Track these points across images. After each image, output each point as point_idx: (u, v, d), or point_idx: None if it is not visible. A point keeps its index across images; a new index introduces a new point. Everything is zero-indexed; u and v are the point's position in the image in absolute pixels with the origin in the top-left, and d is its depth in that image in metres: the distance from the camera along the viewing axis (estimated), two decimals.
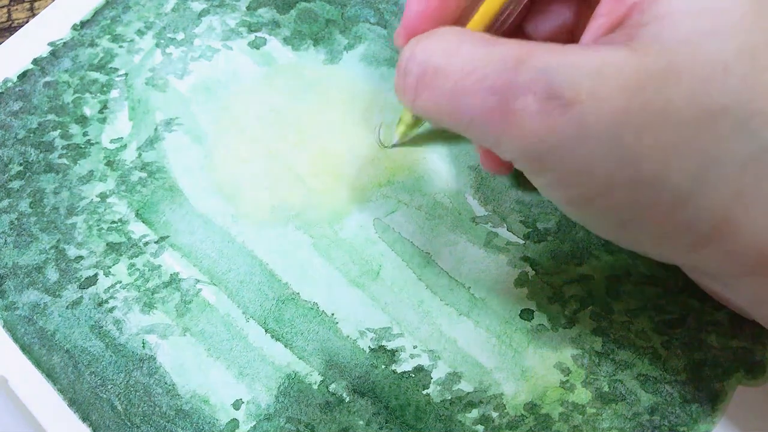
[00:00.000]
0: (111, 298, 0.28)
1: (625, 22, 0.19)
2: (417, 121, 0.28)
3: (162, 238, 0.29)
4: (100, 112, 0.32)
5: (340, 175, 0.30)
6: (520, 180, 0.29)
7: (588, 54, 0.18)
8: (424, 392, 0.26)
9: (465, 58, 0.19)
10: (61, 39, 0.33)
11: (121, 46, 0.33)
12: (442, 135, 0.30)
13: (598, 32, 0.20)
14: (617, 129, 0.17)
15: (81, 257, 0.29)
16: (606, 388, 0.25)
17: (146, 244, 0.29)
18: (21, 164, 0.31)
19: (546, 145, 0.18)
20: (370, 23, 0.33)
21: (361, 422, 0.25)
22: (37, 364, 0.27)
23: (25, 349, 0.27)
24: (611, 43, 0.18)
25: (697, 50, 0.17)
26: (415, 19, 0.23)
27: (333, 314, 0.27)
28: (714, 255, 0.20)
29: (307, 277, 0.28)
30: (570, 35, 0.25)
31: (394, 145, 0.30)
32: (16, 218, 0.29)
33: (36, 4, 0.36)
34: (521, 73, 0.18)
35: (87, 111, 0.32)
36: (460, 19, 0.23)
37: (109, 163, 0.31)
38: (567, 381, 0.26)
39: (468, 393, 0.26)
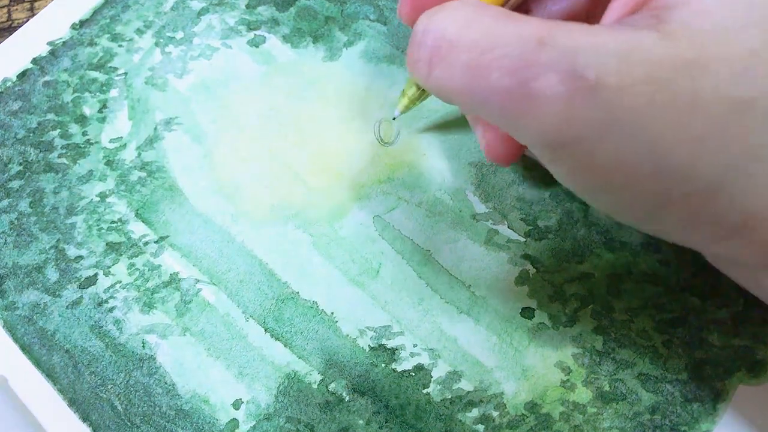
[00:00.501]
0: (111, 298, 0.28)
1: (650, 3, 0.18)
2: (420, 94, 0.27)
3: (162, 238, 0.29)
4: (100, 111, 0.32)
5: (340, 172, 0.30)
6: (521, 177, 0.29)
7: (614, 35, 0.17)
8: (424, 391, 0.26)
9: (483, 34, 0.18)
10: (61, 38, 0.33)
11: (120, 45, 0.33)
12: (442, 131, 0.30)
13: (620, 12, 0.19)
14: (644, 118, 0.17)
15: (81, 257, 0.29)
16: (607, 388, 0.25)
17: (146, 243, 0.29)
18: (21, 164, 0.31)
19: (568, 130, 0.18)
20: (370, 20, 0.33)
21: (360, 421, 0.25)
22: (37, 364, 0.27)
23: (25, 349, 0.27)
24: (636, 25, 0.18)
25: (726, 41, 0.17)
26: None
27: (333, 313, 0.27)
28: (741, 245, 0.19)
29: (307, 276, 0.28)
30: (584, 16, 0.24)
31: (395, 118, 0.29)
32: (16, 218, 0.29)
33: (36, 4, 0.36)
34: (543, 53, 0.17)
35: (86, 110, 0.32)
36: None
37: (108, 163, 0.31)
38: (568, 380, 0.25)
39: (468, 392, 0.26)
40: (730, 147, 0.17)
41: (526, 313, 0.27)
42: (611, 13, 0.20)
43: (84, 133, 0.31)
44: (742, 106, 0.17)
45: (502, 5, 0.22)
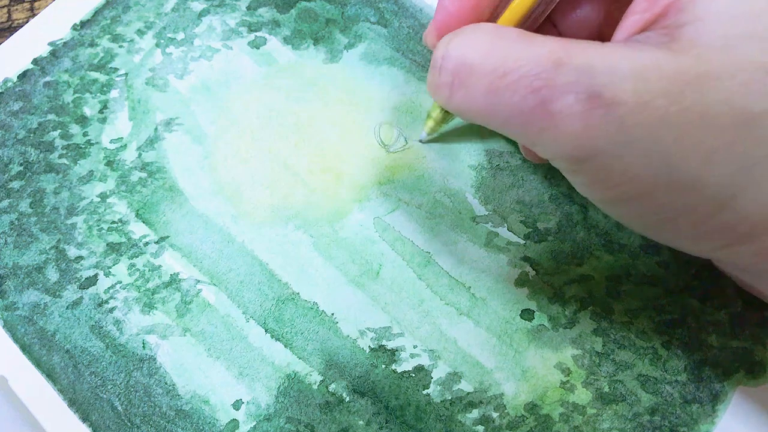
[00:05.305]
0: (111, 298, 0.28)
1: (662, 21, 0.18)
2: (446, 116, 0.28)
3: (162, 239, 0.29)
4: (100, 112, 0.32)
5: (340, 174, 0.30)
6: (520, 180, 0.29)
7: (628, 54, 0.18)
8: (425, 392, 0.26)
9: (501, 57, 0.19)
10: (61, 39, 0.33)
11: (121, 46, 0.33)
12: (443, 134, 0.30)
13: (632, 29, 0.19)
14: (658, 132, 0.17)
15: (81, 257, 0.29)
16: (606, 389, 0.25)
17: (146, 244, 0.29)
18: (21, 164, 0.31)
19: (586, 146, 0.18)
20: (371, 22, 0.33)
21: (361, 422, 0.25)
22: (37, 364, 0.27)
23: (25, 349, 0.27)
24: (648, 42, 0.18)
25: (735, 54, 0.17)
26: (448, 18, 0.22)
27: (333, 314, 0.27)
28: (749, 252, 0.20)
29: (307, 276, 0.28)
30: (597, 29, 0.25)
31: (422, 141, 0.30)
32: (16, 218, 0.29)
33: (36, 4, 0.36)
34: (561, 73, 0.18)
35: (87, 111, 0.32)
36: (491, 19, 0.23)
37: (109, 163, 0.30)
38: (567, 381, 0.26)
39: (468, 393, 0.26)
40: (739, 159, 0.18)
41: (526, 314, 0.27)
42: (623, 31, 0.20)
43: (84, 134, 0.31)
44: (753, 118, 0.17)
45: (521, 23, 0.22)
